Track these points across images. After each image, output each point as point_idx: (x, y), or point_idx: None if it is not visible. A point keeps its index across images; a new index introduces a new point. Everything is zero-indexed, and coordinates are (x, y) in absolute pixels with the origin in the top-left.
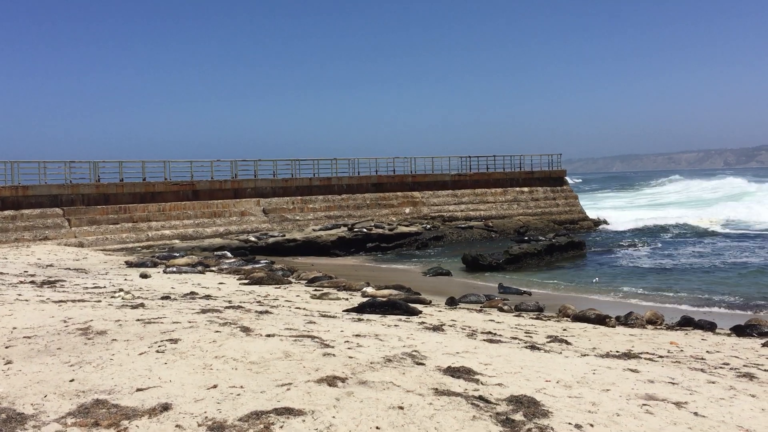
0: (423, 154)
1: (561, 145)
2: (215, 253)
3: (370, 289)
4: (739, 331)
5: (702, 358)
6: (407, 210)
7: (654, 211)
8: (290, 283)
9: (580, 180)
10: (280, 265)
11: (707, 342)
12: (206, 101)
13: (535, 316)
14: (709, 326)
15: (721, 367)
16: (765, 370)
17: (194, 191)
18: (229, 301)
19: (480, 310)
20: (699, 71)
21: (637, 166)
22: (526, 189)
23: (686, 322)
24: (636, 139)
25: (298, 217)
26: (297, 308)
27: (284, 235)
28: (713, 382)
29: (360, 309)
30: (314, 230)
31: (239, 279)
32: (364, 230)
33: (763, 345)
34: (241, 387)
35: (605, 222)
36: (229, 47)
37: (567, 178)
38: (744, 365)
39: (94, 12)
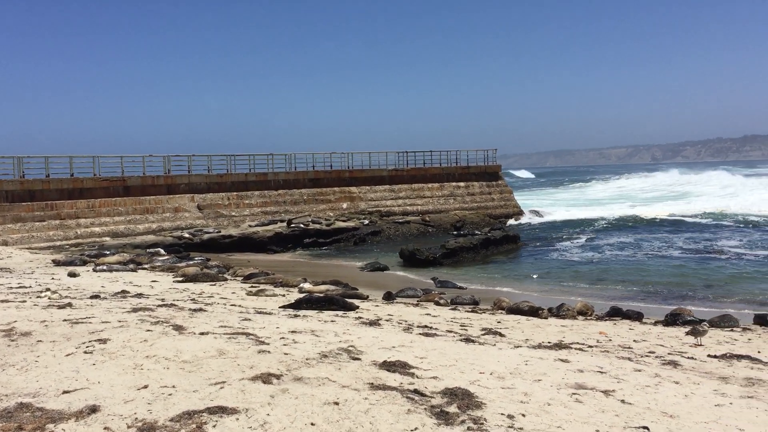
0: (362, 149)
1: (496, 140)
2: (148, 250)
3: (307, 285)
4: (666, 320)
5: (629, 347)
6: (345, 205)
7: (598, 206)
8: (226, 280)
9: (533, 176)
10: (216, 261)
11: (635, 331)
12: (142, 93)
13: (470, 309)
14: (637, 316)
15: (647, 356)
16: (688, 358)
17: (125, 187)
18: (162, 300)
19: (417, 305)
20: (625, 68)
21: (569, 161)
22: (462, 184)
23: (615, 313)
24: (568, 134)
25: (233, 213)
26: (232, 305)
27: (219, 232)
28: (639, 370)
29: (296, 305)
30: (250, 226)
31: (173, 276)
32: (302, 226)
33: (687, 333)
34: (173, 386)
35: (540, 215)
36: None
37: (523, 171)
38: (669, 353)
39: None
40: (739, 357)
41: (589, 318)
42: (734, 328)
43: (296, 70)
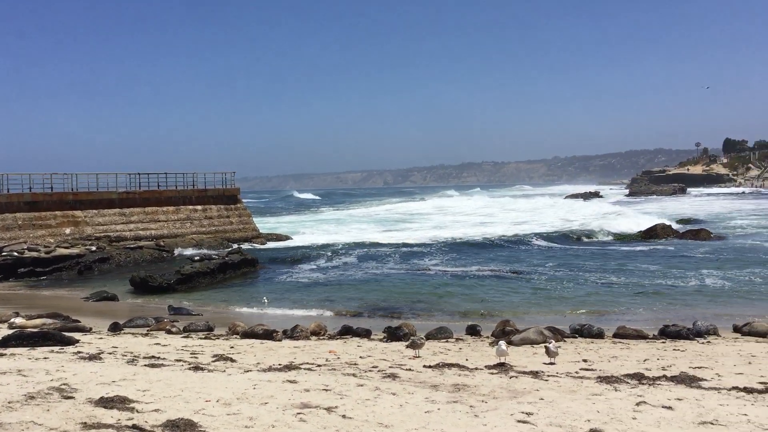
0: (92, 170)
1: (235, 163)
2: None
3: (19, 320)
4: (390, 335)
5: (355, 364)
6: (68, 230)
7: (353, 228)
8: None
9: (317, 196)
10: None
11: (362, 348)
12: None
13: (204, 336)
14: (365, 333)
15: (370, 371)
16: (407, 370)
17: None
18: None
19: (146, 334)
20: (357, 98)
21: (309, 184)
22: (199, 207)
23: (346, 331)
24: (307, 159)
25: None
26: None
27: None
28: (362, 385)
29: (4, 343)
30: None
31: None
32: (15, 254)
33: (407, 347)
34: None
35: (288, 238)
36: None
37: (308, 194)
38: (390, 366)
39: None
40: (450, 365)
41: (321, 338)
42: (449, 339)
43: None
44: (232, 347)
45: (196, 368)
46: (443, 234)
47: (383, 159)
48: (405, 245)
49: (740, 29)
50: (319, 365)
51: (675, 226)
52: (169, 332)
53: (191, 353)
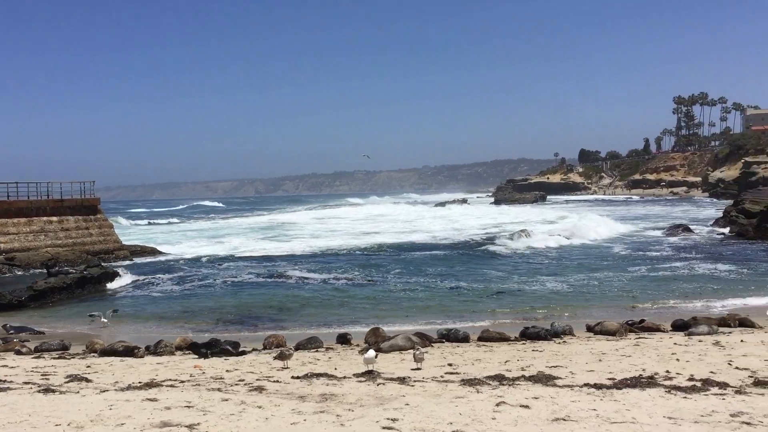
0: None
1: (95, 172)
2: None
3: None
4: (263, 346)
5: (221, 378)
6: None
7: (234, 237)
8: None
9: (223, 205)
10: None
11: (229, 361)
12: None
13: (58, 356)
14: (234, 346)
15: (236, 384)
16: (274, 381)
17: None
18: None
19: None
20: (229, 107)
21: (177, 194)
22: (55, 218)
23: (213, 344)
24: (174, 167)
25: None
26: None
27: None
28: (227, 400)
29: None
30: None
31: None
32: None
33: (275, 358)
34: None
35: (156, 250)
36: None
37: (211, 201)
38: (257, 379)
39: None
40: (319, 375)
41: (186, 353)
42: (319, 349)
43: None
44: (88, 366)
45: (47, 390)
46: (318, 243)
47: (254, 168)
48: (273, 257)
49: (594, 52)
50: (182, 381)
51: (536, 229)
52: (18, 353)
53: (42, 374)
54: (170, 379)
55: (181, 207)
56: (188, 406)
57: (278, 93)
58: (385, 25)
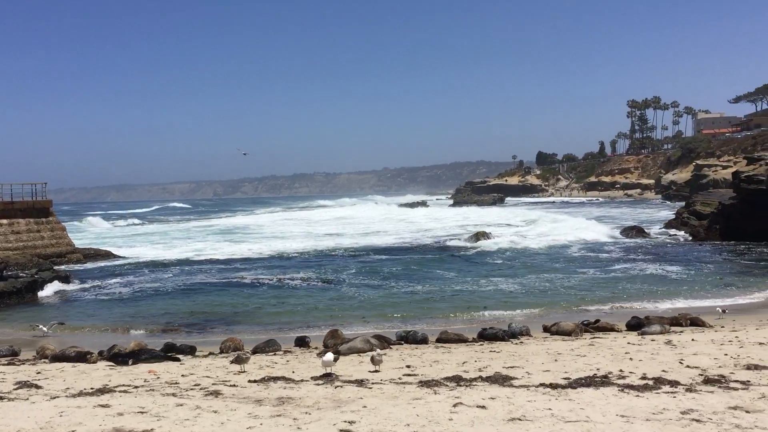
0: None
1: (46, 174)
2: None
3: None
4: (220, 350)
5: (176, 383)
6: None
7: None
8: None
9: (190, 206)
10: None
11: (185, 365)
12: None
13: (7, 362)
14: (190, 350)
15: (192, 389)
16: (231, 386)
17: None
18: None
19: None
20: (181, 104)
21: (132, 196)
22: (5, 221)
23: (170, 349)
24: (130, 169)
25: None
26: None
27: None
28: (182, 405)
29: None
30: None
31: None
32: None
33: (232, 362)
34: None
35: (110, 254)
36: None
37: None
38: (213, 383)
39: None
40: (276, 379)
41: (170, 355)
42: (277, 352)
43: None
44: (39, 372)
45: None
46: (277, 246)
47: (212, 170)
48: (232, 260)
49: (551, 56)
50: (136, 387)
51: (494, 232)
52: None
53: None
54: (123, 385)
55: (150, 209)
56: (141, 412)
57: (235, 94)
58: (341, 25)
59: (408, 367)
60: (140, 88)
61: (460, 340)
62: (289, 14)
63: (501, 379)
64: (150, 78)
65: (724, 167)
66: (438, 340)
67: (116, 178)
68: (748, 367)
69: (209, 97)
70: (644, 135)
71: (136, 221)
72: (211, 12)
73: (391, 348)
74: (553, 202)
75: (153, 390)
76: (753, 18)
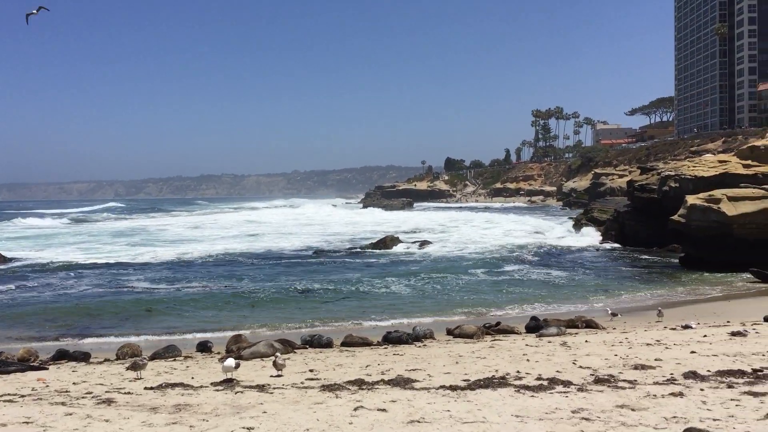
0: None
1: None
2: None
3: None
4: (116, 356)
5: (67, 391)
6: None
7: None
8: None
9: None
10: None
11: (78, 373)
12: None
13: None
14: (84, 357)
15: (84, 397)
16: (126, 393)
17: None
18: None
19: None
20: (84, 105)
21: (26, 195)
22: None
23: (62, 355)
24: (22, 167)
25: None
26: None
27: None
28: (71, 414)
29: None
30: None
31: None
32: None
33: (127, 369)
34: None
35: (4, 258)
36: None
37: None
38: (107, 391)
39: None
40: (174, 385)
41: (33, 365)
42: (177, 358)
43: None
44: None
45: None
46: (180, 250)
47: (113, 169)
48: (131, 264)
49: (460, 62)
50: (23, 396)
51: (402, 237)
52: None
53: None
54: (9, 394)
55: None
56: (27, 422)
57: (139, 92)
58: (247, 24)
59: (311, 371)
60: (32, 79)
61: (364, 343)
62: (194, 10)
63: (403, 382)
64: (44, 71)
65: (620, 176)
66: (343, 344)
67: (7, 176)
68: (636, 367)
69: (109, 94)
70: (547, 144)
71: (36, 220)
72: (103, 9)
73: (295, 352)
74: (460, 207)
75: (41, 399)
76: (649, 37)
